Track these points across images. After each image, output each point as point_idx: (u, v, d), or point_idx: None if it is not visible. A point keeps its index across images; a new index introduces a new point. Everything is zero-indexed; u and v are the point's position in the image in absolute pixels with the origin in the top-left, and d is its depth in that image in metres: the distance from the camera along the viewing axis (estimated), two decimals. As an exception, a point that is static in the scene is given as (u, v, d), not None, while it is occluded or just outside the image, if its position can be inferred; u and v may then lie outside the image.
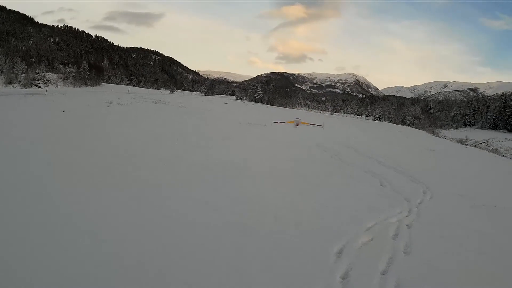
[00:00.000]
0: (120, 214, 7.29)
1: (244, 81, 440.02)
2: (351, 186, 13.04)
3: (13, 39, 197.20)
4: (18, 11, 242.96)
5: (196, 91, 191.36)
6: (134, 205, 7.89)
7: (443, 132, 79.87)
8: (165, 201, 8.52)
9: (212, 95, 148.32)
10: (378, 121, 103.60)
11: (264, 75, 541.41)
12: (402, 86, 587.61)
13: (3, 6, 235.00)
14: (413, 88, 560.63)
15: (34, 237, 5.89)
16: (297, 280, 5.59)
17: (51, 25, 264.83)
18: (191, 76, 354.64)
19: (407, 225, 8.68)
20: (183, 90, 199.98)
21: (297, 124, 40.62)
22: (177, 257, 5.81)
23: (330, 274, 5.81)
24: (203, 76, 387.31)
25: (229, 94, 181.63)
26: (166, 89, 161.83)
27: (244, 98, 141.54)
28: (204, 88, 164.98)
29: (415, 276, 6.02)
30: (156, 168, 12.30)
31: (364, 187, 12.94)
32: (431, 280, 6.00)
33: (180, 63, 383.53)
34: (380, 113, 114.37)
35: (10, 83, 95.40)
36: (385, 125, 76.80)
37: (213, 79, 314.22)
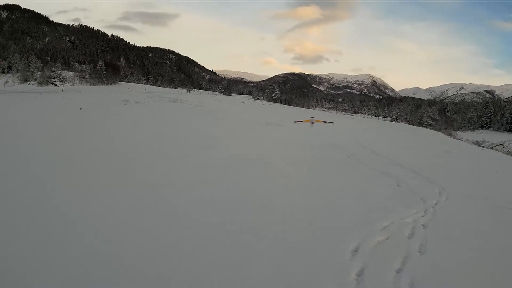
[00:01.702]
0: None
1: (261, 81, 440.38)
2: (367, 186, 13.00)
3: (28, 37, 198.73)
4: (33, 10, 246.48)
5: (213, 90, 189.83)
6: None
7: (459, 134, 79.51)
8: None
9: (230, 95, 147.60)
10: (395, 122, 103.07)
11: (281, 75, 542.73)
12: (418, 88, 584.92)
13: (17, 5, 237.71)
14: (429, 90, 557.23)
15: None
16: (311, 276, 5.63)
17: (66, 24, 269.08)
18: (208, 76, 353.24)
19: (422, 225, 8.64)
20: (200, 89, 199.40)
21: (312, 123, 42.24)
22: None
23: (345, 272, 5.83)
24: (220, 75, 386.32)
25: (246, 94, 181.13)
26: (183, 88, 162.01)
27: (262, 98, 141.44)
28: (221, 87, 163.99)
29: (430, 275, 6.01)
30: (171, 166, 12.52)
31: (381, 187, 12.89)
32: (446, 279, 5.98)
33: (196, 62, 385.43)
34: (397, 114, 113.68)
35: (25, 80, 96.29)
36: (402, 126, 76.32)
37: (230, 79, 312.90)
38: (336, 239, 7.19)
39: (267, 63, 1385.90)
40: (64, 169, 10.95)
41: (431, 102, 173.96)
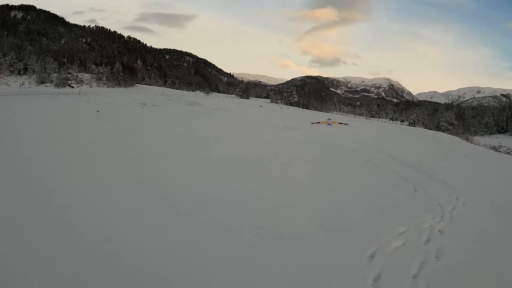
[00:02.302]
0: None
1: (279, 84, 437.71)
2: (385, 191, 13.01)
3: (44, 38, 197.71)
4: (48, 11, 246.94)
5: (231, 93, 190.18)
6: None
7: (476, 138, 78.67)
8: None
9: (247, 98, 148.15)
10: (412, 126, 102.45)
11: (299, 79, 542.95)
12: (436, 92, 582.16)
13: (33, 6, 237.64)
14: (447, 94, 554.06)
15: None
16: (327, 281, 5.67)
17: (82, 25, 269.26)
18: (225, 79, 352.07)
19: (439, 231, 8.65)
20: (217, 92, 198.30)
21: (329, 124, 42.91)
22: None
23: (362, 277, 5.87)
24: (237, 78, 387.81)
25: (264, 97, 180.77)
26: (200, 91, 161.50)
27: (279, 101, 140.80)
28: (239, 90, 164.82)
29: (446, 281, 6.04)
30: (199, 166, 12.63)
31: (398, 193, 12.87)
32: (461, 285, 6.02)
33: (214, 65, 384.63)
34: (414, 118, 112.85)
35: (42, 82, 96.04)
36: (419, 131, 75.90)
37: (247, 82, 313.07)
38: (352, 244, 7.23)
39: (284, 66, 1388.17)
40: (81, 170, 10.88)
41: (448, 106, 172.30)
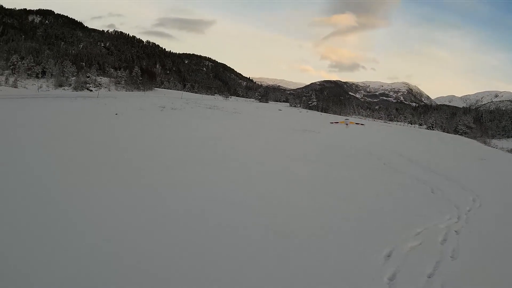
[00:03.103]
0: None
1: (298, 88, 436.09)
2: (403, 193, 13.06)
3: (62, 43, 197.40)
4: (67, 16, 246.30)
5: (250, 97, 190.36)
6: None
7: (494, 141, 77.88)
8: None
9: (266, 102, 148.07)
10: (431, 130, 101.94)
11: (318, 83, 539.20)
12: (454, 96, 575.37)
13: (51, 10, 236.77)
14: (465, 98, 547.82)
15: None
16: (344, 279, 5.72)
17: (101, 30, 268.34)
18: (244, 83, 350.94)
19: (455, 231, 8.64)
20: (236, 96, 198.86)
21: (347, 124, 43.74)
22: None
23: (378, 276, 5.91)
24: (256, 83, 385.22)
25: (283, 101, 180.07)
26: (219, 95, 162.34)
27: (298, 105, 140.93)
28: (258, 94, 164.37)
29: (460, 280, 6.05)
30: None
31: (416, 194, 12.95)
32: (476, 285, 6.03)
33: (233, 69, 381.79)
34: (433, 122, 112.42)
35: (60, 86, 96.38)
36: (437, 134, 75.62)
37: (267, 86, 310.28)
38: (369, 243, 7.27)
39: (303, 70, 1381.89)
40: (91, 170, 10.94)
41: (466, 110, 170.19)
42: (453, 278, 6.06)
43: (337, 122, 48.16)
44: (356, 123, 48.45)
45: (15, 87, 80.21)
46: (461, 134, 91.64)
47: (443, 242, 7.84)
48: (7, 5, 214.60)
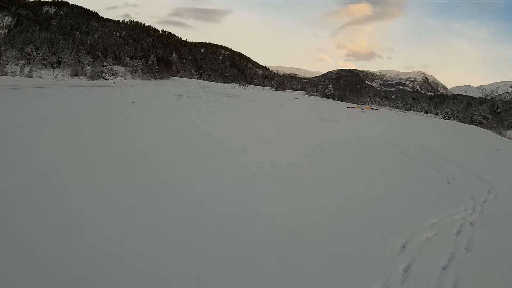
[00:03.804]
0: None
1: (314, 77, 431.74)
2: (418, 182, 13.08)
3: (78, 33, 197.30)
4: (82, 6, 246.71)
5: (267, 86, 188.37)
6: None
7: (509, 132, 77.21)
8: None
9: (283, 90, 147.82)
10: (447, 119, 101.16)
11: (334, 72, 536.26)
12: (470, 86, 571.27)
13: (65, 1, 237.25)
14: (480, 88, 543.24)
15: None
16: (360, 269, 5.79)
17: (116, 20, 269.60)
18: (261, 71, 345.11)
19: (470, 223, 8.64)
20: (253, 84, 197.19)
21: (363, 109, 44.86)
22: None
23: (392, 266, 5.96)
24: (273, 71, 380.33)
25: (300, 90, 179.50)
26: (236, 83, 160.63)
27: (315, 94, 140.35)
28: (274, 83, 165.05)
29: (474, 272, 6.06)
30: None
31: (431, 184, 12.94)
32: (490, 277, 6.03)
33: (249, 58, 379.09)
34: (449, 112, 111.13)
35: (76, 75, 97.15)
36: (453, 124, 75.10)
37: (283, 75, 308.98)
38: (385, 234, 7.31)
39: (320, 59, 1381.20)
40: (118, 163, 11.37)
41: (482, 100, 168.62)
42: (467, 270, 6.07)
43: (353, 107, 49.42)
44: (371, 108, 49.88)
45: (30, 77, 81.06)
46: (476, 124, 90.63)
47: (457, 233, 7.84)
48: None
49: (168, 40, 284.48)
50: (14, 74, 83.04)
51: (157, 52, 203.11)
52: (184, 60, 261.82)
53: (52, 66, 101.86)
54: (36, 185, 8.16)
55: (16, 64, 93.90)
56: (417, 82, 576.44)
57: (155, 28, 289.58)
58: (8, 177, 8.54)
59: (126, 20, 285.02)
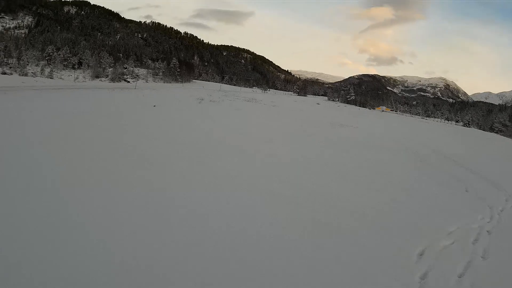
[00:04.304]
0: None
1: (336, 82, 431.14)
2: (437, 190, 13.11)
3: (99, 33, 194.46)
4: (103, 7, 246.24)
5: (288, 90, 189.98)
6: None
7: (529, 141, 76.40)
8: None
9: (305, 95, 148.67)
10: (467, 127, 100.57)
11: (356, 77, 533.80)
12: (490, 92, 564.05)
13: (86, 1, 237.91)
14: (501, 95, 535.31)
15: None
16: (377, 277, 5.88)
17: (138, 21, 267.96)
18: (283, 76, 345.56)
19: (487, 231, 8.69)
20: (275, 89, 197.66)
21: (383, 111, 46.00)
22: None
23: (410, 274, 6.03)
24: (295, 76, 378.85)
25: (322, 95, 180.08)
26: (258, 87, 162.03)
27: (336, 99, 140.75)
28: (296, 88, 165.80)
29: (490, 281, 6.15)
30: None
31: (450, 192, 12.99)
32: (505, 285, 6.14)
33: (272, 62, 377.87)
34: (469, 119, 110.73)
35: (97, 77, 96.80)
36: (473, 132, 74.87)
37: (305, 79, 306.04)
38: (403, 241, 7.40)
39: (342, 64, 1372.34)
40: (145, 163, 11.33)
41: (502, 108, 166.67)
42: (483, 279, 6.14)
43: (374, 109, 50.94)
44: (390, 110, 51.53)
45: (50, 78, 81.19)
46: (496, 132, 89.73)
47: (474, 242, 7.90)
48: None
49: (190, 42, 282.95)
50: (34, 74, 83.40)
51: (179, 55, 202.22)
52: (206, 63, 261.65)
53: (73, 67, 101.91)
54: (46, 184, 8.19)
55: (37, 65, 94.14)
56: (438, 89, 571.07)
57: (177, 29, 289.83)
58: (41, 174, 8.47)
59: (148, 21, 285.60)
